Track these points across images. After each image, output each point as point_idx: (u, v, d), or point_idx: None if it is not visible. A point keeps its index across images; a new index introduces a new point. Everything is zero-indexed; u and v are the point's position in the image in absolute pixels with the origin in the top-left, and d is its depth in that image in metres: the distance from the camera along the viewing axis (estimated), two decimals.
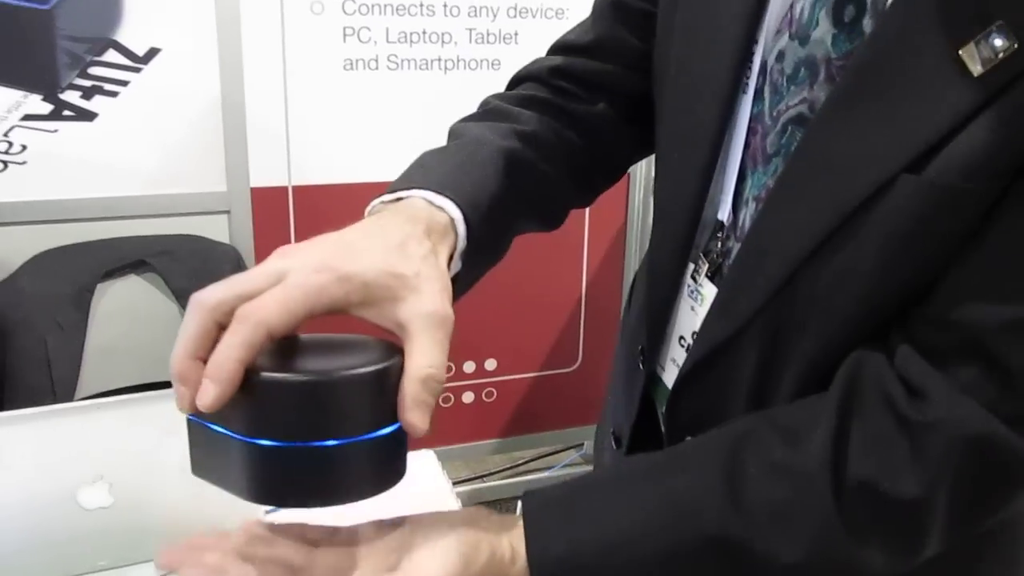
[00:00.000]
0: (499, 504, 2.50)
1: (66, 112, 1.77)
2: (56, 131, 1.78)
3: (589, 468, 2.64)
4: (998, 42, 0.51)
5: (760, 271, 0.63)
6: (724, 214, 0.69)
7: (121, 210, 1.85)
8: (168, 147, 1.86)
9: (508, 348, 2.27)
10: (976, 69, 0.51)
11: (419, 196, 0.63)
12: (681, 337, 0.73)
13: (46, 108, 1.75)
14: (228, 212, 1.93)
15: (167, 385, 0.89)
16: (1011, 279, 0.53)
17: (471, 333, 2.21)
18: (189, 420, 0.54)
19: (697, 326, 0.70)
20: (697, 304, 0.71)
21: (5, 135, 1.75)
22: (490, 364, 2.28)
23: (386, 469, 0.53)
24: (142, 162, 1.85)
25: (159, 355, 1.88)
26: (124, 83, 1.79)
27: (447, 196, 0.63)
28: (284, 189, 1.96)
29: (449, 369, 2.25)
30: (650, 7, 0.77)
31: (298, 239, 1.98)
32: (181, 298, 1.80)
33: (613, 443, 0.84)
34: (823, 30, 0.60)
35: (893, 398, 0.56)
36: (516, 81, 0.85)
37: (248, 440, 0.49)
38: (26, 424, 0.84)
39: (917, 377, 0.56)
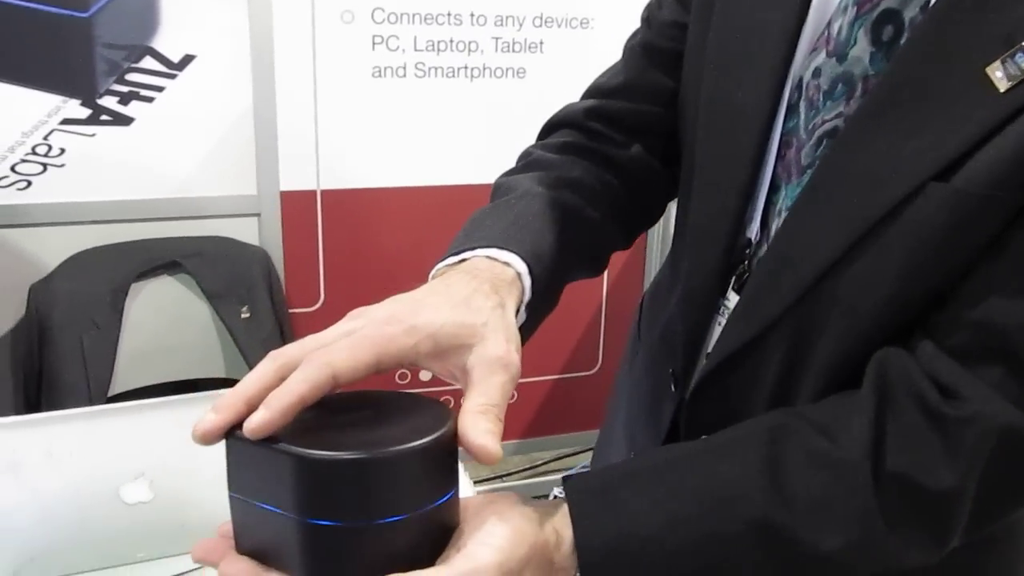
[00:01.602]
0: None
1: (103, 117, 1.82)
2: (94, 135, 1.83)
3: None
4: (1023, 61, 0.54)
5: (785, 276, 0.65)
6: (752, 231, 0.71)
7: (155, 212, 1.90)
8: (201, 151, 1.91)
9: (529, 351, 2.27)
10: (1002, 85, 0.55)
11: (482, 255, 0.65)
12: (708, 354, 0.74)
13: (84, 113, 1.81)
14: (258, 215, 1.98)
15: (198, 384, 0.93)
16: None
17: None
18: (232, 496, 0.52)
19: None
20: (724, 318, 0.73)
21: (45, 139, 1.80)
22: None
23: (446, 536, 0.53)
24: (176, 165, 1.90)
25: (190, 354, 1.94)
26: (160, 89, 1.84)
27: (511, 251, 0.65)
28: (313, 193, 2.00)
29: None
30: (679, 46, 0.79)
31: (326, 242, 2.04)
32: (212, 299, 1.85)
33: None
34: (861, 48, 0.63)
35: (924, 395, 0.58)
36: (550, 127, 0.86)
37: (306, 520, 0.47)
38: (73, 423, 0.88)
39: (947, 377, 0.58)
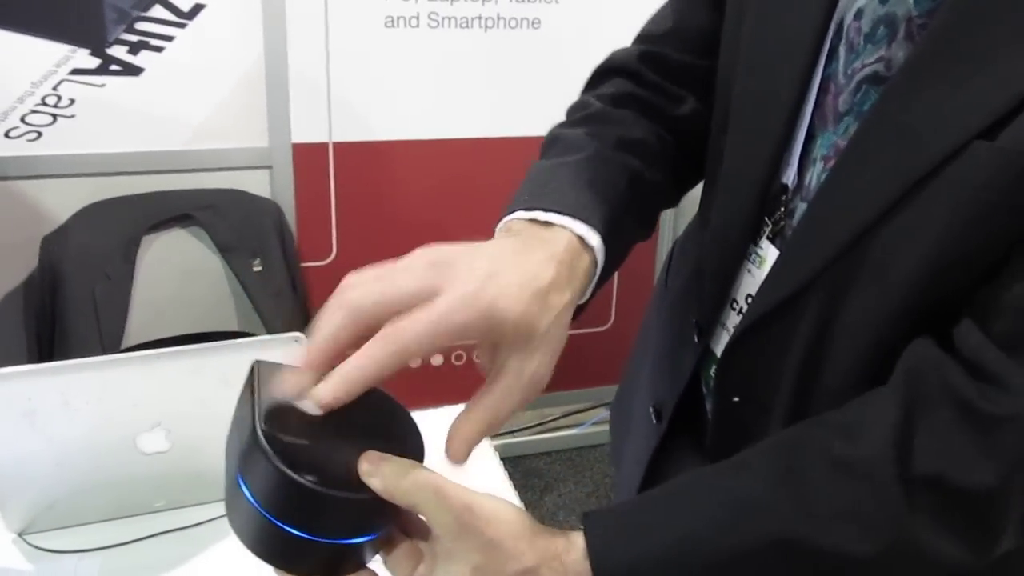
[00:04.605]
0: (527, 460, 2.55)
1: (113, 67, 1.80)
2: (103, 85, 1.81)
3: None
4: None
5: (824, 233, 0.62)
6: (789, 177, 0.68)
7: (166, 164, 1.89)
8: (212, 102, 1.89)
9: None
10: None
11: (565, 225, 0.63)
12: (734, 300, 0.73)
13: (94, 63, 1.79)
14: (270, 167, 1.96)
15: (211, 337, 0.93)
16: None
17: None
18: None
19: (753, 289, 0.69)
20: (755, 267, 0.70)
21: (54, 89, 1.78)
22: None
23: (344, 565, 0.55)
24: (186, 117, 1.88)
25: (202, 307, 1.93)
26: (169, 38, 1.81)
27: (591, 226, 0.63)
28: (325, 145, 1.98)
29: None
30: None
31: (338, 195, 2.02)
32: (224, 252, 1.84)
33: (653, 417, 0.84)
34: None
35: (959, 389, 0.55)
36: (603, 73, 0.83)
37: (262, 512, 0.51)
38: (88, 372, 0.87)
39: (993, 366, 0.55)
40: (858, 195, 0.60)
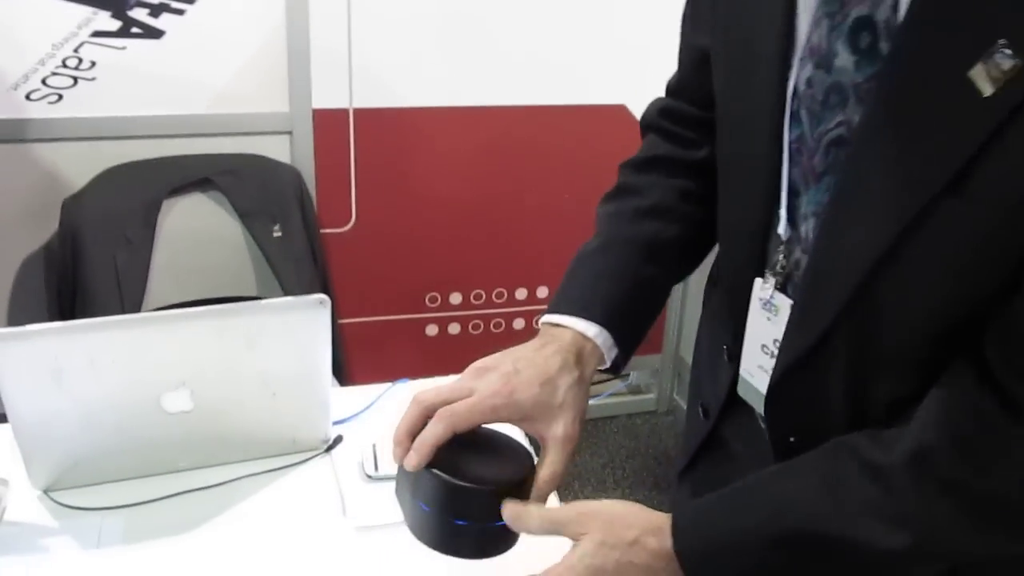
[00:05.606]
0: None
1: (134, 29, 1.79)
2: (124, 48, 1.80)
3: (634, 398, 2.67)
4: (1004, 62, 0.52)
5: (828, 287, 0.66)
6: (782, 228, 0.71)
7: (186, 128, 1.89)
8: (233, 67, 1.88)
9: (560, 276, 2.28)
10: (986, 89, 0.52)
11: (567, 325, 0.80)
12: (763, 345, 0.76)
13: (115, 25, 1.78)
14: (290, 133, 1.95)
15: (231, 302, 0.93)
16: None
17: (523, 260, 2.23)
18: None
19: (777, 334, 0.73)
20: (772, 315, 0.74)
21: (75, 51, 1.78)
22: (542, 292, 2.30)
23: (501, 543, 0.74)
24: (207, 81, 1.88)
25: (222, 272, 1.92)
26: (191, 1, 1.80)
27: (593, 321, 0.79)
28: (345, 111, 1.97)
29: (502, 296, 2.27)
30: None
31: (358, 162, 2.02)
32: (244, 217, 1.84)
33: (701, 414, 0.90)
34: (844, 58, 0.62)
35: (982, 405, 0.59)
36: (643, 130, 0.93)
37: (441, 514, 0.72)
38: (117, 331, 0.88)
39: (1013, 389, 0.58)
40: (849, 250, 0.64)
